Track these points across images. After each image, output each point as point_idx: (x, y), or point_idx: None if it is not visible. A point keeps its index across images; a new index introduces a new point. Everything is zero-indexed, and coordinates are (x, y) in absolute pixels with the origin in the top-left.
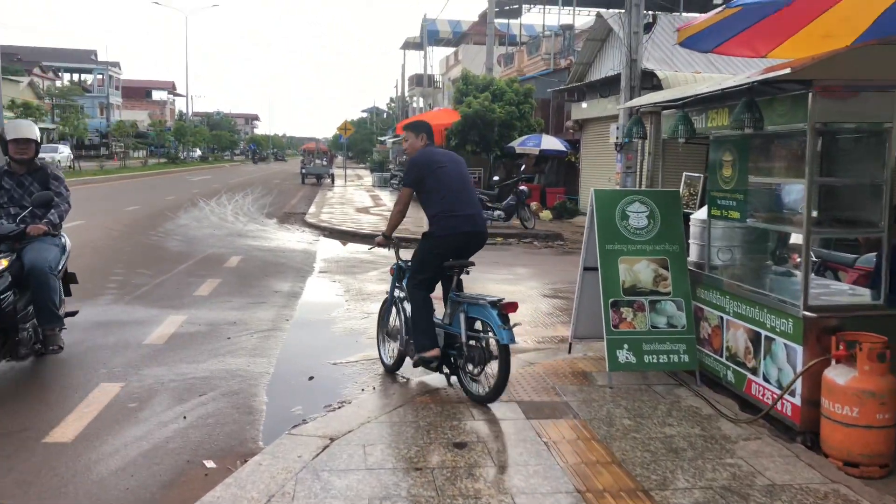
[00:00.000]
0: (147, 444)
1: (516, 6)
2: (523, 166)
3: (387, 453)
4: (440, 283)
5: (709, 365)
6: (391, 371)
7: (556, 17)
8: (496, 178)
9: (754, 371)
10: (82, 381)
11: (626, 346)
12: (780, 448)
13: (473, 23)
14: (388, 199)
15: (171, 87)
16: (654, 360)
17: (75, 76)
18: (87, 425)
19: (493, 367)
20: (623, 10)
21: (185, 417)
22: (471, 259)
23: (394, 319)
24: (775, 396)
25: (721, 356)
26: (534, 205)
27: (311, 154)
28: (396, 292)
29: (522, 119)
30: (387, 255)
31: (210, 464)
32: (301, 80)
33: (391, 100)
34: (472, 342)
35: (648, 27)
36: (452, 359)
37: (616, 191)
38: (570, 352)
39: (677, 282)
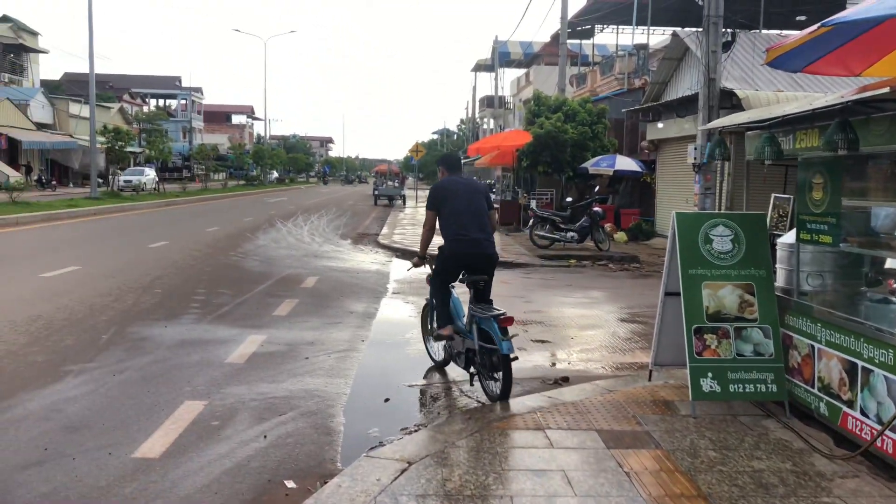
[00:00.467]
0: (230, 463)
1: (588, 27)
2: (597, 187)
3: (465, 479)
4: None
5: (799, 396)
6: (440, 366)
7: (629, 36)
8: (569, 199)
9: (850, 404)
10: (168, 398)
11: (710, 374)
12: (880, 488)
13: (545, 44)
14: None
15: (249, 112)
16: (740, 390)
17: (161, 101)
18: (173, 442)
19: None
20: (700, 29)
21: (265, 437)
22: (496, 277)
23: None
24: (875, 432)
25: (812, 387)
26: (608, 226)
27: (383, 176)
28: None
29: (596, 139)
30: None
31: (291, 484)
32: (374, 103)
33: (461, 121)
34: (482, 350)
35: (727, 45)
36: (477, 366)
37: (699, 214)
38: (650, 379)
39: (764, 308)
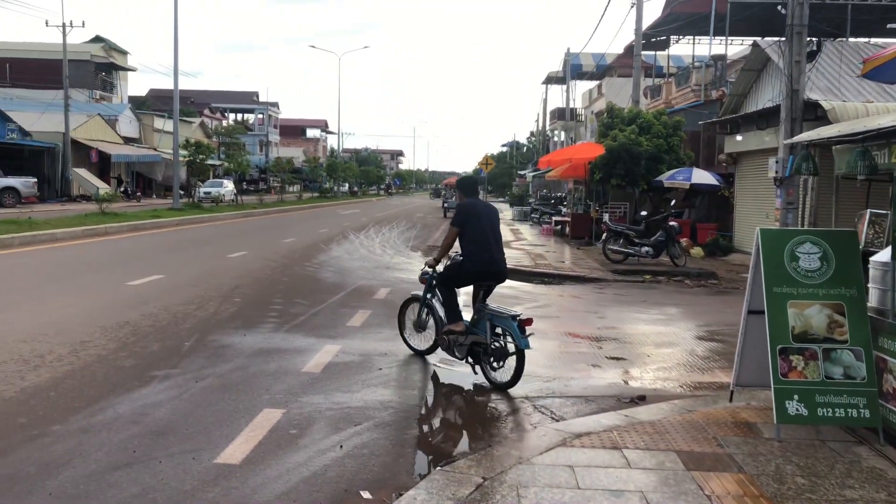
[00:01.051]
0: (307, 471)
1: (664, 38)
2: (673, 201)
3: (540, 496)
4: (473, 292)
5: (894, 422)
6: (424, 355)
7: (705, 47)
8: (643, 212)
9: None
10: (248, 405)
11: (796, 396)
12: None
13: (618, 56)
14: (528, 233)
15: (323, 126)
16: (829, 414)
17: (239, 116)
18: (252, 449)
19: (510, 362)
20: (783, 39)
21: (341, 446)
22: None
23: (426, 316)
24: None
25: None
26: (684, 241)
27: (452, 188)
28: (428, 296)
29: (671, 152)
30: (530, 290)
31: (366, 495)
32: (444, 116)
33: (531, 133)
34: (495, 343)
35: (812, 55)
36: (482, 357)
37: (784, 230)
38: (731, 400)
39: (855, 329)
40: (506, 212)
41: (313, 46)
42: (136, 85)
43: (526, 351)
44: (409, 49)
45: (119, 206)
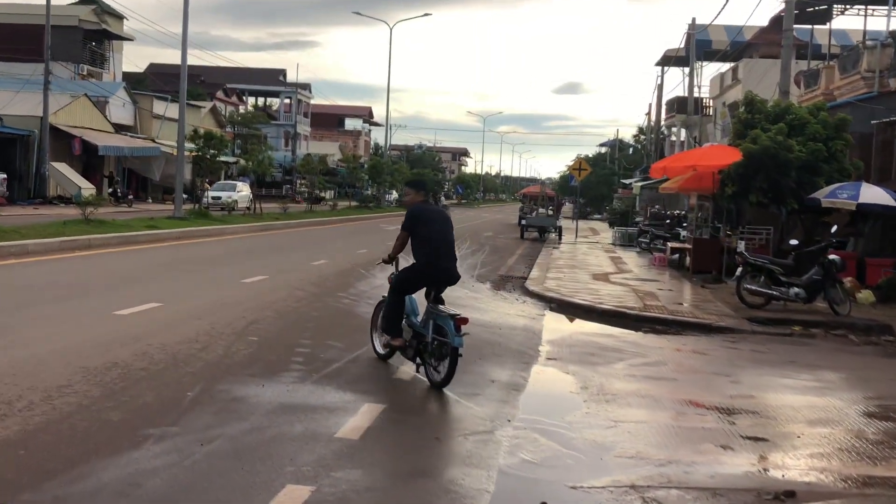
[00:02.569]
0: None
1: (824, 7)
2: (834, 226)
3: None
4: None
5: None
6: (384, 359)
7: (881, 20)
8: (793, 241)
9: None
10: (266, 479)
11: None
12: None
13: (759, 30)
14: (634, 262)
15: (366, 115)
16: None
17: (260, 100)
18: None
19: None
20: None
21: None
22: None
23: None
24: None
25: None
26: (848, 281)
27: (532, 200)
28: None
29: (832, 160)
30: (637, 341)
31: None
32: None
33: (640, 131)
34: (436, 342)
35: None
36: (422, 355)
37: None
38: None
39: None
40: (604, 233)
41: (358, 13)
42: (132, 58)
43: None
44: (479, 19)
45: (106, 213)
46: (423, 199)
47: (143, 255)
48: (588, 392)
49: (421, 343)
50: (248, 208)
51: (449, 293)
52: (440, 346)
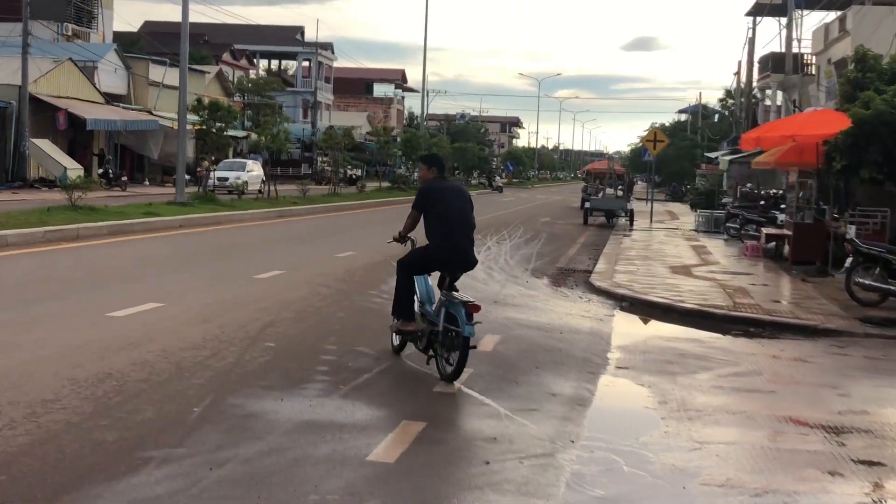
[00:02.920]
0: None
1: None
2: None
3: None
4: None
5: None
6: (397, 352)
7: None
8: None
9: None
10: None
11: None
12: None
13: None
14: (721, 252)
15: (399, 79)
16: None
17: (274, 63)
18: None
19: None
20: None
21: None
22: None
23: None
24: None
25: None
26: None
27: (598, 179)
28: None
29: None
30: (726, 346)
31: None
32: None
33: (727, 94)
34: (448, 332)
35: None
36: (433, 346)
37: None
38: None
39: None
40: (684, 217)
41: None
42: (124, 15)
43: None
44: None
45: (97, 197)
46: (437, 175)
47: (140, 247)
48: (667, 407)
49: (433, 333)
50: (260, 191)
51: (500, 291)
52: (451, 336)
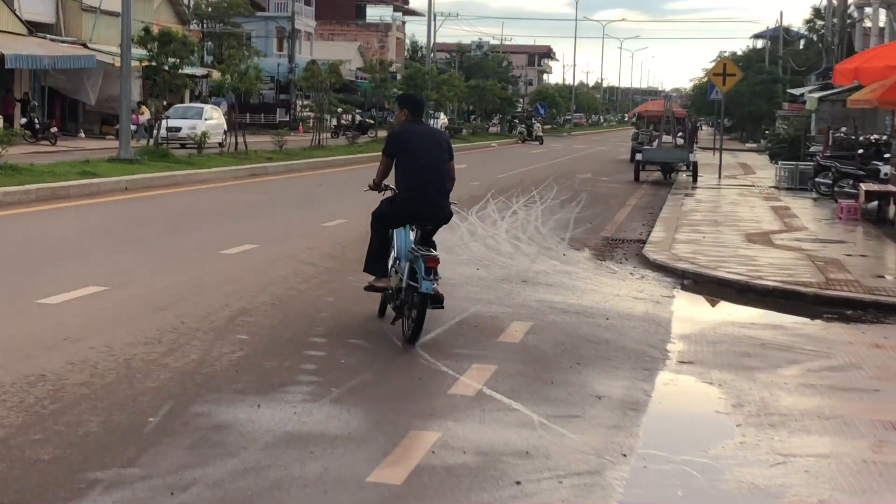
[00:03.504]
0: None
1: None
2: None
3: None
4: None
5: None
6: (379, 315)
7: None
8: None
9: None
10: None
11: None
12: None
13: None
14: (808, 214)
15: (399, 0)
16: None
17: None
18: None
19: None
20: None
21: None
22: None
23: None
24: None
25: None
26: None
27: (653, 124)
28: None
29: None
30: (816, 334)
31: None
32: None
33: (815, 13)
34: (409, 288)
35: None
36: (402, 306)
37: None
38: None
39: None
40: (762, 171)
41: None
42: None
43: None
44: None
45: (21, 154)
46: (410, 117)
47: (76, 217)
48: (744, 412)
49: (399, 290)
50: (221, 144)
51: (530, 267)
52: (412, 293)
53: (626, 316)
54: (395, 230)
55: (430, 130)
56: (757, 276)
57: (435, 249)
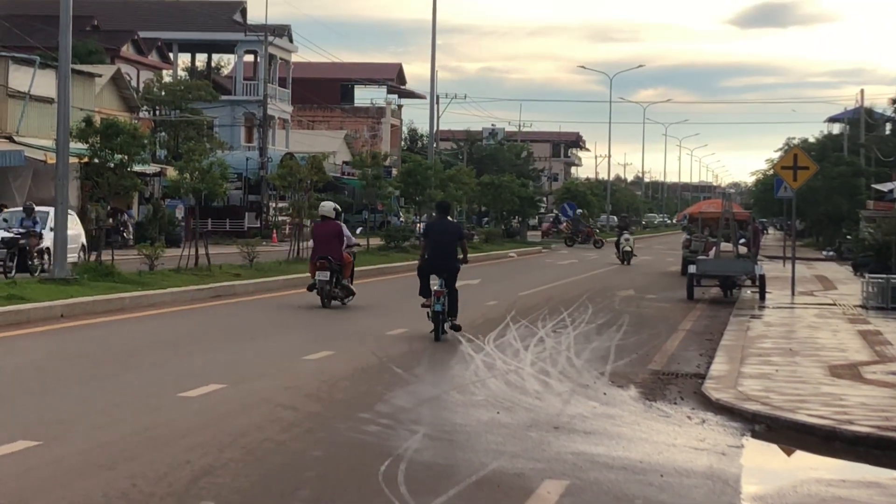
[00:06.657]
0: None
1: None
2: None
3: None
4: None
5: None
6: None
7: None
8: None
9: None
10: None
11: None
12: None
13: None
14: None
15: (393, 79)
16: None
17: (201, 59)
18: None
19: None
20: None
21: None
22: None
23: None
24: None
25: None
26: None
27: (707, 227)
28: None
29: None
30: None
31: None
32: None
33: None
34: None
35: None
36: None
37: None
38: None
39: None
40: (844, 286)
41: None
42: None
43: None
44: None
45: None
46: (440, 216)
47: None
48: None
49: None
50: (76, 263)
51: (562, 410)
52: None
53: (685, 472)
54: (429, 276)
55: (443, 222)
56: (845, 419)
57: (451, 288)
